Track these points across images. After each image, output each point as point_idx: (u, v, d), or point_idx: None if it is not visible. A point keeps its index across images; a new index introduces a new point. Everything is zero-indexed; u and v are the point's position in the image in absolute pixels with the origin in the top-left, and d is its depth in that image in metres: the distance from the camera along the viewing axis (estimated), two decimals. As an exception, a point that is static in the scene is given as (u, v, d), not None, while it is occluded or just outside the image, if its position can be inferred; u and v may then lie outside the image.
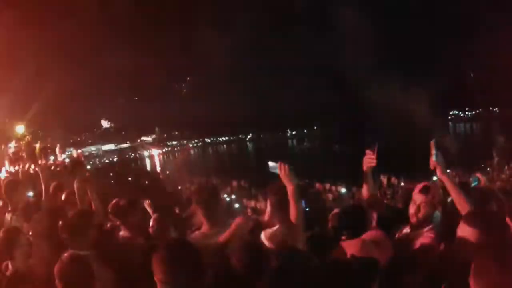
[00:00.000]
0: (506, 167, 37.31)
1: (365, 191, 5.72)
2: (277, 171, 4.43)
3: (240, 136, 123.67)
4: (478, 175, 7.29)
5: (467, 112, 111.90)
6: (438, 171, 4.44)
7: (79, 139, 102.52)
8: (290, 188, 4.43)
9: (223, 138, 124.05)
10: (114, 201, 6.47)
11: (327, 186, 40.23)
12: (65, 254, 3.99)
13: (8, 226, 5.43)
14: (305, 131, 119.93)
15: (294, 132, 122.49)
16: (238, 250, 3.76)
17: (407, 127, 72.83)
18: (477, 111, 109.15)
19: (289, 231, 4.46)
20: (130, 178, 50.48)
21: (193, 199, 4.74)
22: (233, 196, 40.42)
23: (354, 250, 3.40)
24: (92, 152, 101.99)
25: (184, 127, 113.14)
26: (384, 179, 39.63)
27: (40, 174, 7.35)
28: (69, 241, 4.53)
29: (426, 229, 4.51)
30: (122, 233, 5.91)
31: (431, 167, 4.50)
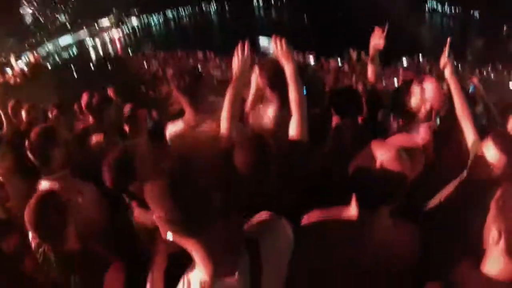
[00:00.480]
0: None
1: (371, 74, 5.83)
2: (271, 49, 4.00)
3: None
4: (475, 81, 7.09)
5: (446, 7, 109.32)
6: (448, 71, 4.45)
7: (33, 40, 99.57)
8: (289, 68, 4.01)
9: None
10: (85, 96, 6.59)
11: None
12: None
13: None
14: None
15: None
16: (244, 146, 3.47)
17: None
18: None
19: (288, 115, 4.10)
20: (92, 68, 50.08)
21: (172, 84, 4.35)
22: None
23: (386, 157, 2.80)
24: (50, 50, 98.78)
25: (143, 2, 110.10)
26: (353, 54, 39.46)
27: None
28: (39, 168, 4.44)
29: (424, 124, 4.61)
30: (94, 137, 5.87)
31: (441, 66, 4.51)
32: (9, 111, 7.33)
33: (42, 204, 3.63)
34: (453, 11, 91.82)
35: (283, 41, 4.00)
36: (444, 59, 4.58)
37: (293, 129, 3.95)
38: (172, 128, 4.53)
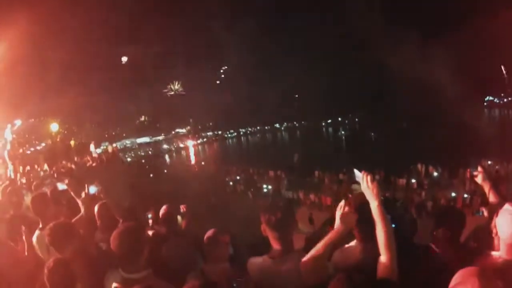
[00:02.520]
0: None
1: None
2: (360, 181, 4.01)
3: (276, 125, 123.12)
4: None
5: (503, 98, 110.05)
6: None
7: (113, 133, 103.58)
8: (374, 204, 3.93)
9: (257, 128, 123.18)
10: (165, 208, 6.57)
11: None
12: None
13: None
14: (339, 119, 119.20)
15: (329, 121, 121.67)
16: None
17: (440, 114, 72.29)
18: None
19: (373, 251, 3.97)
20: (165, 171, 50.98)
21: (263, 219, 4.30)
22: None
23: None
24: (127, 145, 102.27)
25: (218, 118, 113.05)
26: (421, 168, 39.39)
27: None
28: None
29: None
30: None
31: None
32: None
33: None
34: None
35: (370, 176, 3.97)
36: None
37: (382, 270, 3.80)
38: (256, 261, 4.46)
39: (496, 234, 4.00)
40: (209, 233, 6.12)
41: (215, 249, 5.83)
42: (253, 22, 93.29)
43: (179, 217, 7.07)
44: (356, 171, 4.04)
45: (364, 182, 3.95)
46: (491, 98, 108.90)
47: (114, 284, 4.25)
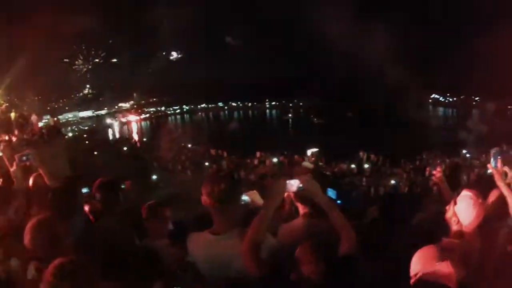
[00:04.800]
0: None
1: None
2: (295, 187, 4.03)
3: (220, 104, 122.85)
4: (506, 169, 7.19)
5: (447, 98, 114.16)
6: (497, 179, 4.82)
7: (56, 106, 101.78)
8: (322, 202, 4.05)
9: (201, 106, 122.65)
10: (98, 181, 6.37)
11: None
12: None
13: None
14: (283, 102, 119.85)
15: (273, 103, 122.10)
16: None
17: (386, 108, 73.52)
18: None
19: (318, 226, 4.29)
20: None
21: (204, 190, 4.13)
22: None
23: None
24: (69, 119, 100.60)
25: (164, 94, 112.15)
26: (363, 156, 39.99)
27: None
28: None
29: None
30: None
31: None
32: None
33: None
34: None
35: (305, 180, 4.04)
36: (491, 168, 4.99)
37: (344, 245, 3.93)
38: (196, 236, 4.41)
39: (458, 222, 4.22)
40: (148, 205, 5.99)
41: (154, 224, 5.73)
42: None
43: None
44: (290, 181, 3.97)
45: (306, 187, 4.02)
46: (436, 96, 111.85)
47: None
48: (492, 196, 4.89)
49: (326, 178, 4.88)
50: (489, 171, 5.06)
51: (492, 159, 4.98)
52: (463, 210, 4.16)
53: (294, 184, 3.97)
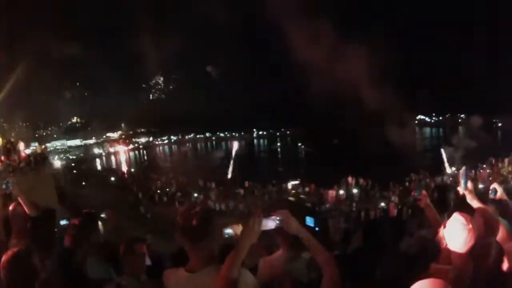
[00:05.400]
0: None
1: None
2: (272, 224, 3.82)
3: (208, 134, 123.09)
4: (496, 185, 7.07)
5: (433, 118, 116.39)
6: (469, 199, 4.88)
7: (44, 133, 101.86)
8: (301, 237, 3.90)
9: (188, 136, 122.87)
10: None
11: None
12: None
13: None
14: (270, 131, 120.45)
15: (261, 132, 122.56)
16: None
17: (375, 129, 73.77)
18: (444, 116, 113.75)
19: (297, 258, 4.12)
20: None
21: (176, 226, 3.91)
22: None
23: None
24: (57, 147, 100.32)
25: (152, 125, 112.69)
26: (352, 181, 40.08)
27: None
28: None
29: None
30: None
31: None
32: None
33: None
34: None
35: (289, 216, 3.88)
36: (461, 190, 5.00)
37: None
38: (171, 273, 4.20)
39: (448, 247, 4.04)
40: (125, 243, 5.82)
41: (131, 260, 5.58)
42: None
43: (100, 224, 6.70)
44: (266, 220, 3.81)
45: (285, 225, 3.84)
46: (422, 117, 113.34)
47: None
48: (477, 216, 4.81)
49: (306, 209, 4.75)
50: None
51: (461, 180, 4.94)
52: (453, 236, 3.98)
53: (271, 221, 3.83)
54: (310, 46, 72.49)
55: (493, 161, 45.24)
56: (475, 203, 4.72)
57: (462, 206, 4.86)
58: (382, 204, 33.27)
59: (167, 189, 42.94)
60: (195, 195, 39.84)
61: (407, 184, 40.01)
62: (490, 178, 38.17)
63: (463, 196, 5.17)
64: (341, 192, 38.24)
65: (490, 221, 4.55)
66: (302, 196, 35.48)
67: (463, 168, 4.85)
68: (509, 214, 5.23)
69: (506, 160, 43.77)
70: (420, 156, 61.73)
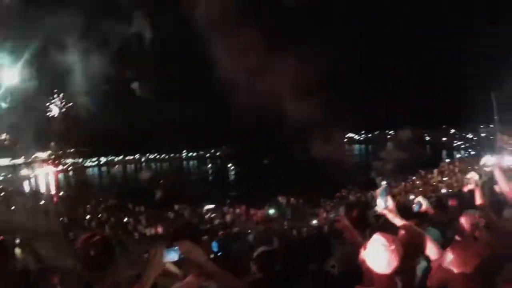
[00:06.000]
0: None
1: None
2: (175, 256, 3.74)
3: (137, 156, 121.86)
4: (420, 198, 7.17)
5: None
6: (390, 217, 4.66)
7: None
8: (205, 267, 3.91)
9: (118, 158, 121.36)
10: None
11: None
12: None
13: None
14: (200, 152, 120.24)
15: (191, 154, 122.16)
16: None
17: (304, 148, 74.33)
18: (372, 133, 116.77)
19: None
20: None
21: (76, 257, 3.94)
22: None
23: None
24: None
25: (82, 144, 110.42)
26: (282, 200, 40.25)
27: None
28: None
29: None
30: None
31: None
32: None
33: None
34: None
35: (190, 246, 3.91)
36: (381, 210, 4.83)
37: None
38: None
39: (370, 268, 3.94)
40: (36, 271, 5.71)
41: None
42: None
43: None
44: (168, 251, 3.77)
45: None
46: (351, 135, 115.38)
47: None
48: (401, 234, 4.77)
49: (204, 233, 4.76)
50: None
51: (379, 199, 4.71)
52: (375, 257, 3.88)
53: (174, 252, 3.79)
54: (236, 62, 72.51)
55: (423, 173, 46.37)
56: (397, 221, 4.65)
57: (386, 224, 4.85)
58: (314, 221, 33.45)
59: (97, 214, 42.12)
60: (125, 219, 39.19)
61: (337, 200, 40.54)
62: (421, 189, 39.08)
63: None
64: (272, 211, 38.34)
65: (416, 238, 4.54)
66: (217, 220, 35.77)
67: (382, 186, 4.76)
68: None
69: (435, 171, 44.90)
70: (350, 173, 62.47)
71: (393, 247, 3.83)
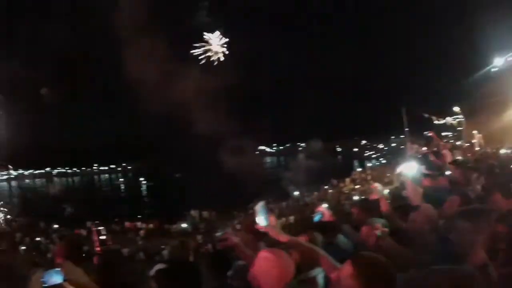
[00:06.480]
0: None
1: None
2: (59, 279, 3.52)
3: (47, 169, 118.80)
4: (321, 209, 7.01)
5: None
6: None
7: None
8: None
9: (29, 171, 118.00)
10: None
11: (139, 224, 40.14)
12: None
13: None
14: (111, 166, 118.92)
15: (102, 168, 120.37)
16: None
17: (216, 160, 74.50)
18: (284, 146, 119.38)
19: None
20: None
21: None
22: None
23: None
24: None
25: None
26: (196, 214, 40.16)
27: None
28: None
29: None
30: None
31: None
32: None
33: None
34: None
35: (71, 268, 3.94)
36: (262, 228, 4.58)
37: None
38: None
39: (258, 284, 3.84)
40: None
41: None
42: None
43: None
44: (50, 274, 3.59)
45: None
46: (262, 147, 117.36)
47: None
48: (292, 250, 4.63)
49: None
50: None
51: (260, 217, 4.35)
52: (263, 274, 3.79)
53: (56, 274, 3.62)
54: (144, 71, 72.10)
55: (335, 182, 47.32)
56: (282, 237, 4.47)
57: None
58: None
59: (9, 233, 40.80)
60: (38, 238, 38.09)
61: (250, 211, 40.74)
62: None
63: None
64: (184, 225, 38.20)
65: (307, 252, 4.31)
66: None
67: (260, 203, 4.48)
68: None
69: (347, 180, 45.87)
70: (262, 184, 63.04)
71: (280, 262, 3.78)
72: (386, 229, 5.06)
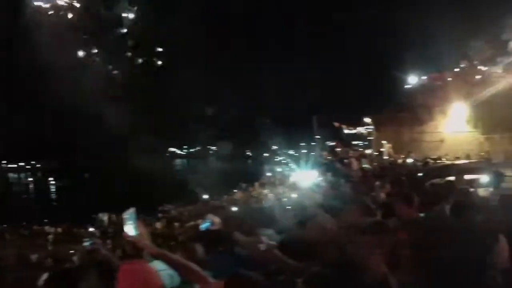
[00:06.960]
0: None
1: None
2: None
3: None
4: (211, 216, 7.07)
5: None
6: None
7: None
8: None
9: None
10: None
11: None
12: None
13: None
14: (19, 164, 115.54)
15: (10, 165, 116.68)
16: None
17: (125, 161, 73.87)
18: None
19: None
20: None
21: None
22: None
23: None
24: None
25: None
26: (104, 218, 39.61)
27: None
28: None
29: None
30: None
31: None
32: None
33: None
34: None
35: None
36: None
37: None
38: None
39: None
40: None
41: None
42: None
43: None
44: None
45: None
46: (173, 149, 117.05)
47: None
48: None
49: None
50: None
51: (128, 225, 3.98)
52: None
53: None
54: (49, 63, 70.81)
55: (244, 186, 47.71)
56: (152, 249, 4.03)
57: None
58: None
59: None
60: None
61: (159, 215, 40.59)
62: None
63: None
64: (92, 229, 37.70)
65: (174, 265, 4.08)
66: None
67: (128, 212, 4.01)
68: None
69: (257, 184, 46.33)
70: (171, 187, 62.76)
71: (145, 276, 3.83)
72: (273, 242, 4.92)
